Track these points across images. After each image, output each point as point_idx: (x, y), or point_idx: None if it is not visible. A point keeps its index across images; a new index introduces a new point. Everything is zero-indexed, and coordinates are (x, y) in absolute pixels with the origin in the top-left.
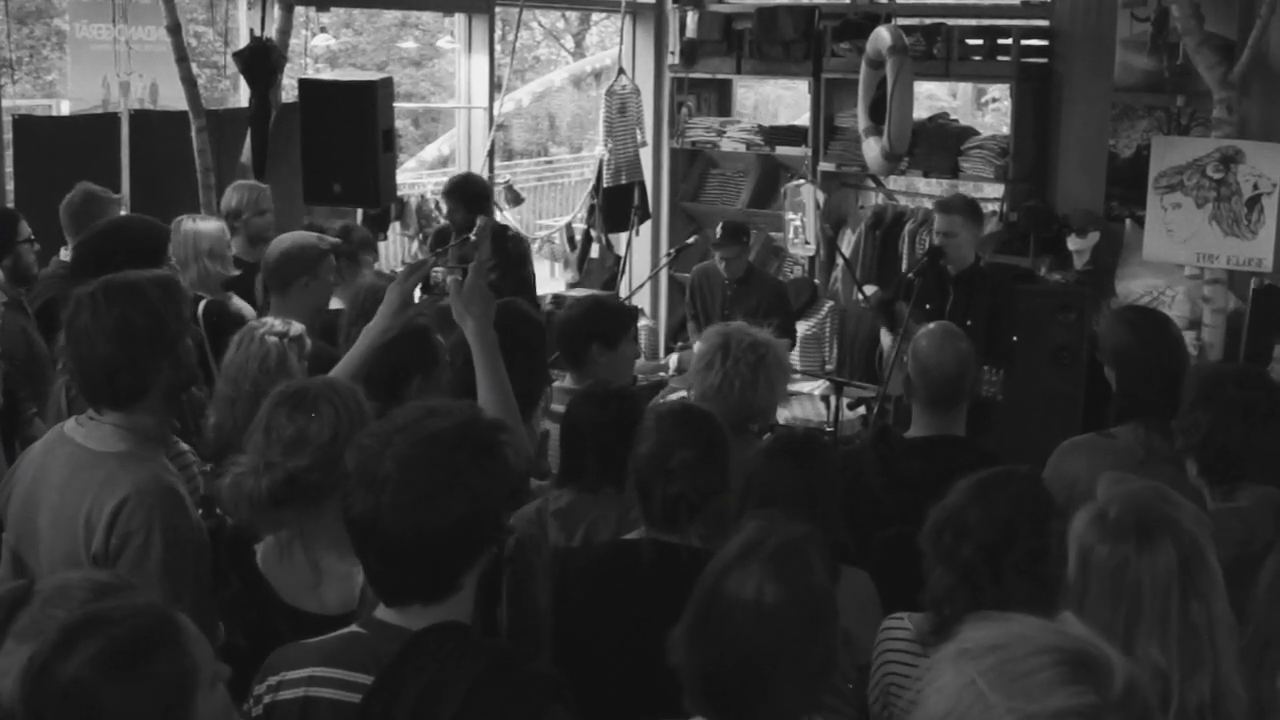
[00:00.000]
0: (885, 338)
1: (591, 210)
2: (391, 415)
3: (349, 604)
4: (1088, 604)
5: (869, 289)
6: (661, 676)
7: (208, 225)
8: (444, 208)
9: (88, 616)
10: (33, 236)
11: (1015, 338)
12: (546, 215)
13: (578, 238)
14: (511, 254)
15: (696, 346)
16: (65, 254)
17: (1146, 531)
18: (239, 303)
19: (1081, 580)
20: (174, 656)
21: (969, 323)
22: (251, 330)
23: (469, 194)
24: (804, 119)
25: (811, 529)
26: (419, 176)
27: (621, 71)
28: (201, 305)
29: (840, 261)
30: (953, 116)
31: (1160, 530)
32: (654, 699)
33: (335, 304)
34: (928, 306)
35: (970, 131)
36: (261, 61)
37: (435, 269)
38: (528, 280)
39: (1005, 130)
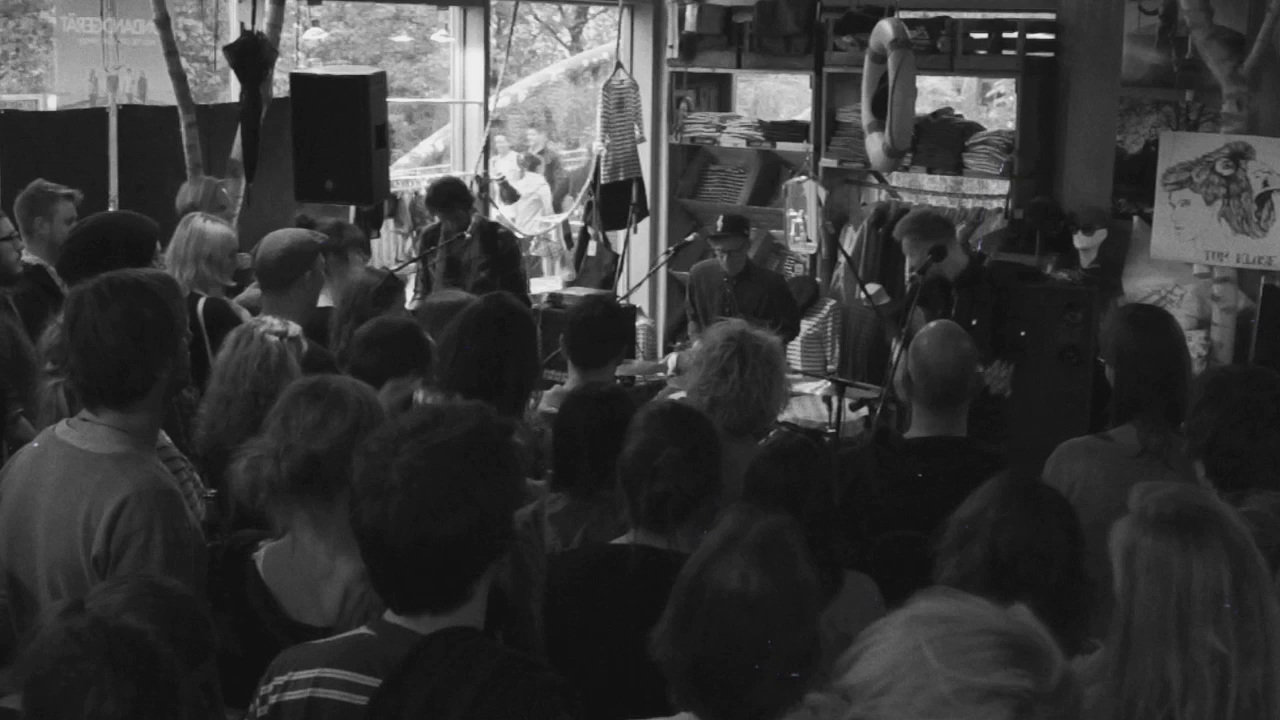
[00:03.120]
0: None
1: (589, 207)
2: (399, 419)
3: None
4: (1137, 601)
5: (871, 287)
6: (650, 681)
7: (215, 229)
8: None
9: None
10: (16, 234)
11: (1023, 333)
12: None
13: (574, 235)
14: (502, 252)
15: (696, 346)
16: (26, 254)
17: (1191, 522)
18: (236, 306)
19: (1128, 579)
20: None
21: (974, 322)
22: (250, 329)
23: (443, 197)
24: (805, 114)
25: (790, 518)
26: (412, 173)
27: (619, 66)
28: (201, 303)
29: (842, 259)
30: (957, 112)
31: (1205, 521)
32: (643, 704)
33: (324, 301)
34: (939, 311)
35: (975, 127)
36: (252, 56)
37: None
38: (519, 278)
39: (1010, 126)
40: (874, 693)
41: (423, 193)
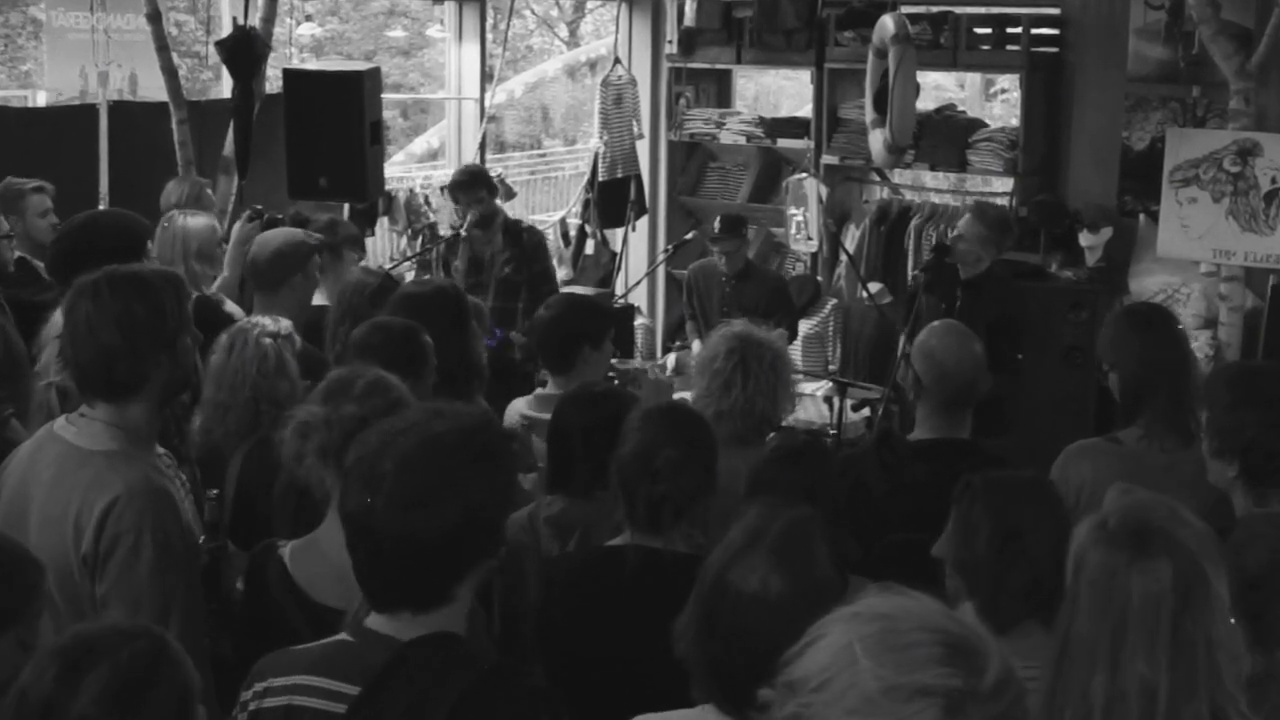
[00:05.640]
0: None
1: (586, 205)
2: (400, 414)
3: None
4: (1077, 613)
5: (874, 286)
6: (649, 682)
7: (197, 222)
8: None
9: (84, 646)
10: (11, 233)
11: (1020, 356)
12: (540, 210)
13: (572, 233)
14: (527, 246)
15: (696, 346)
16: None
17: (1143, 542)
18: (231, 304)
19: (1074, 588)
20: (174, 678)
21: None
22: (244, 332)
23: (465, 178)
24: (806, 110)
25: (813, 511)
26: (408, 170)
27: (617, 61)
28: (191, 301)
29: (844, 258)
30: (960, 108)
31: (1158, 542)
32: (642, 706)
33: (320, 299)
34: (943, 306)
35: (979, 123)
36: (245, 51)
37: None
38: (548, 272)
39: (1015, 122)
40: (810, 689)
41: (418, 190)
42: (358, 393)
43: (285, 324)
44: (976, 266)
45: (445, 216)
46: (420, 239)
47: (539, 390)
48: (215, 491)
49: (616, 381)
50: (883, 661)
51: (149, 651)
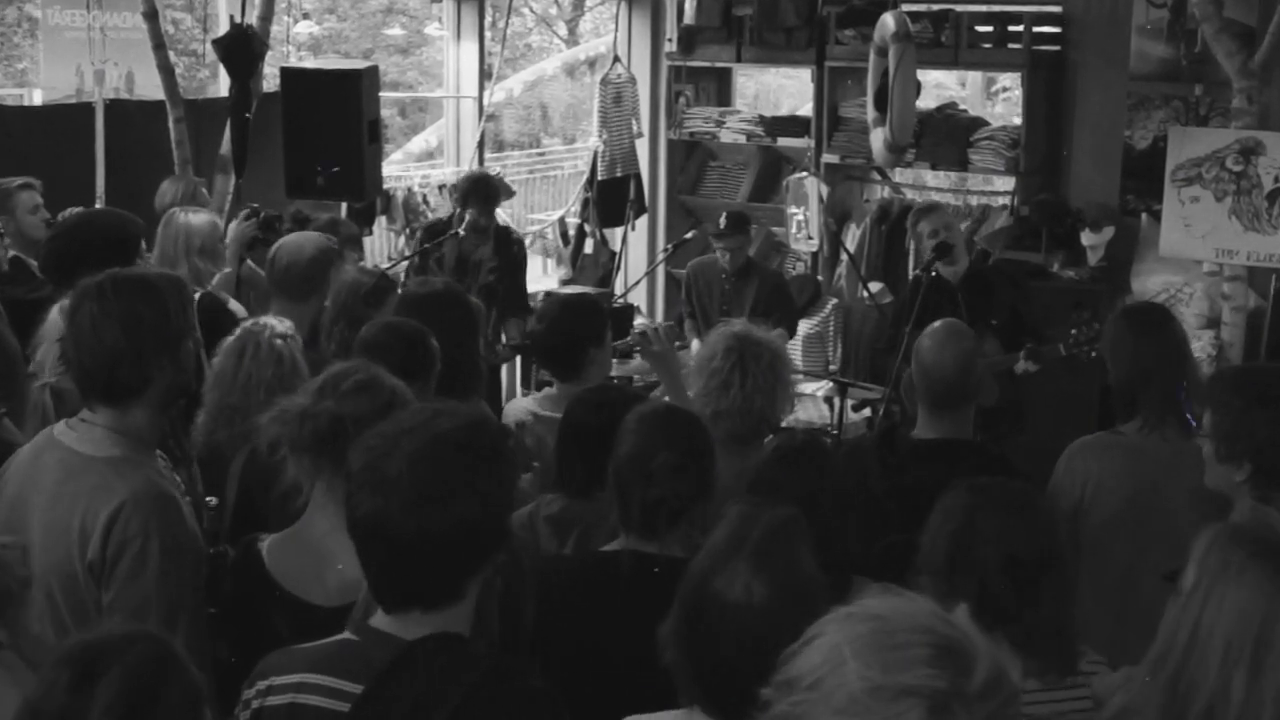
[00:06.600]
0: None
1: (585, 204)
2: (396, 417)
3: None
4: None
5: (874, 286)
6: (643, 688)
7: (199, 219)
8: (461, 207)
9: (90, 654)
10: (2, 231)
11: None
12: (538, 209)
13: (571, 233)
14: (515, 257)
15: (695, 346)
16: None
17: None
18: (234, 302)
19: (1207, 628)
20: (184, 678)
21: (994, 322)
22: (254, 336)
23: (485, 190)
24: (806, 109)
25: (796, 511)
26: (406, 169)
27: (617, 59)
28: (195, 300)
29: (844, 257)
30: (962, 106)
31: None
32: (637, 711)
33: None
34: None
35: (980, 122)
36: (242, 49)
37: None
38: (523, 287)
39: (1016, 121)
40: (803, 688)
41: (416, 189)
42: (344, 390)
43: (288, 324)
44: (963, 259)
45: (443, 216)
46: (419, 238)
47: (547, 390)
48: (214, 500)
49: (616, 379)
50: (870, 662)
51: (155, 654)
